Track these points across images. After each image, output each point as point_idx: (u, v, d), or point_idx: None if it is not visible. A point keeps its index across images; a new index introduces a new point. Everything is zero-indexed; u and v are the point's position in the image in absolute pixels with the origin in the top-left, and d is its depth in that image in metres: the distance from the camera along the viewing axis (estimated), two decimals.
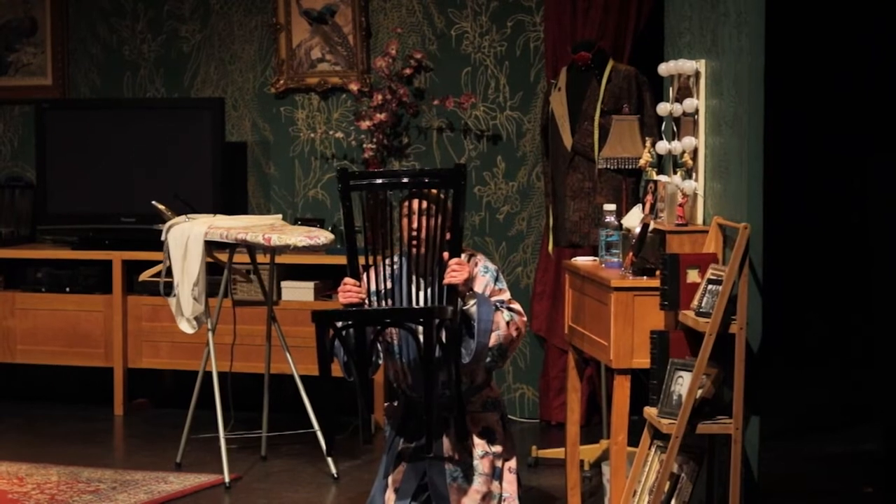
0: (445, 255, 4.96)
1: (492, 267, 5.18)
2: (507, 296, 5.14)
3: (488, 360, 5.03)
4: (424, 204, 5.03)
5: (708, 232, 5.12)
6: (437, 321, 4.83)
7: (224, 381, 6.65)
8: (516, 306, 5.12)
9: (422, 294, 5.02)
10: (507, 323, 5.03)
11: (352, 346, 4.94)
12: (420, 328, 4.87)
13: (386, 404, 5.37)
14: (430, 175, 5.07)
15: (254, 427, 6.99)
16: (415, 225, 5.03)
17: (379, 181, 5.05)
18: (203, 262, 6.47)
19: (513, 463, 5.21)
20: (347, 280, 5.05)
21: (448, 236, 4.98)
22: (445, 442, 5.07)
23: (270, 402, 6.94)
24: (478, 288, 5.07)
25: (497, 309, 5.03)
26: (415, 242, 5.04)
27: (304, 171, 8.18)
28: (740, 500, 4.77)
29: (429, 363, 4.84)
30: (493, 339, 4.99)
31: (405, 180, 5.05)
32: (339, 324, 4.93)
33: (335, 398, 5.08)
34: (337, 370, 5.06)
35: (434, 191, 5.06)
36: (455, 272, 4.93)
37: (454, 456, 5.06)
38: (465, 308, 4.96)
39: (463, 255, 5.11)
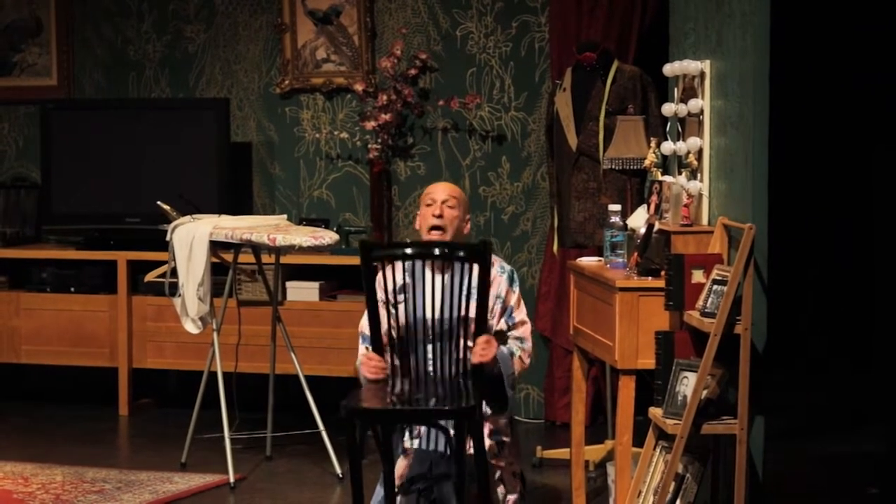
0: (472, 326, 5.00)
1: (507, 267, 5.21)
2: (520, 310, 5.19)
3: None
4: (449, 192, 5.18)
5: (713, 232, 5.12)
6: (467, 420, 4.83)
7: (229, 382, 6.65)
8: (524, 330, 5.20)
9: (437, 295, 5.01)
10: (520, 359, 5.16)
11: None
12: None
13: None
14: (456, 248, 5.01)
15: (259, 427, 7.00)
16: (437, 212, 5.14)
17: (407, 251, 5.04)
18: (208, 262, 6.47)
19: (517, 466, 5.21)
20: (371, 356, 5.05)
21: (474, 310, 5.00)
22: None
23: (275, 402, 6.94)
24: (493, 289, 5.09)
25: (512, 355, 5.12)
26: (438, 227, 5.13)
27: (309, 171, 8.19)
28: (745, 501, 4.77)
29: (459, 460, 4.84)
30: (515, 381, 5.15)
31: (435, 252, 5.03)
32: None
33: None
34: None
35: (459, 196, 5.19)
36: (484, 351, 4.97)
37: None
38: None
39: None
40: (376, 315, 5.01)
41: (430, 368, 5.08)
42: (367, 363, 5.05)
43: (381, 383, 5.03)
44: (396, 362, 5.09)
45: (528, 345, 5.20)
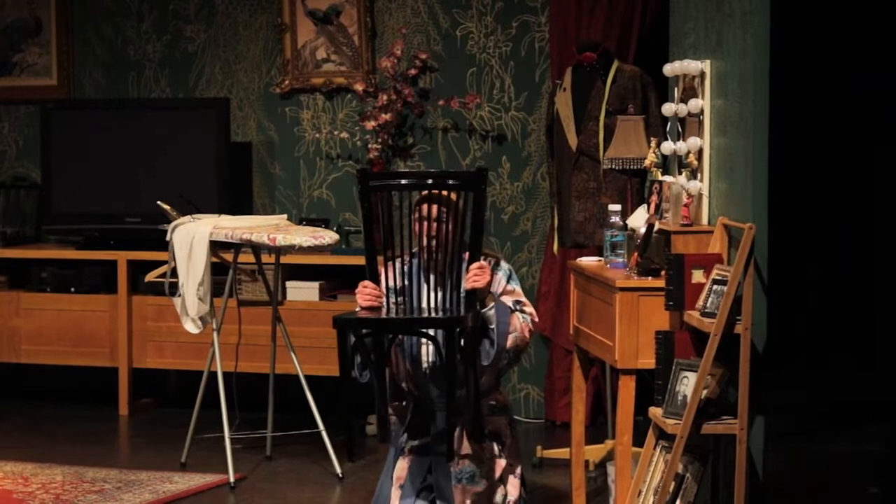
0: (466, 255, 4.94)
1: (505, 265, 5.17)
2: (520, 297, 5.13)
3: (504, 361, 5.03)
4: (437, 209, 4.95)
5: (713, 232, 5.11)
6: (459, 330, 4.78)
7: (229, 381, 6.65)
8: (529, 308, 5.11)
9: (432, 294, 5.00)
10: (522, 324, 5.03)
11: (368, 349, 4.93)
12: (436, 333, 4.85)
13: (395, 403, 5.34)
14: (451, 177, 4.96)
15: (259, 427, 6.99)
16: (431, 231, 4.96)
17: (402, 182, 4.98)
18: (208, 262, 6.47)
19: (518, 467, 5.19)
20: (367, 283, 5.01)
21: (468, 239, 4.94)
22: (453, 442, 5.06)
23: (275, 402, 6.94)
24: (492, 286, 5.06)
25: (512, 311, 5.03)
26: (433, 246, 4.96)
27: (310, 171, 8.18)
28: (745, 501, 4.77)
29: (451, 372, 4.79)
30: (511, 341, 4.98)
31: (429, 181, 4.96)
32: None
33: (355, 404, 5.04)
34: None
35: (452, 195, 4.96)
36: (477, 277, 4.91)
37: (461, 457, 5.05)
38: (482, 310, 4.96)
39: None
40: (372, 242, 4.96)
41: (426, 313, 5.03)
42: (362, 290, 5.01)
43: (375, 311, 4.99)
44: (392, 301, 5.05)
45: (530, 319, 5.10)
